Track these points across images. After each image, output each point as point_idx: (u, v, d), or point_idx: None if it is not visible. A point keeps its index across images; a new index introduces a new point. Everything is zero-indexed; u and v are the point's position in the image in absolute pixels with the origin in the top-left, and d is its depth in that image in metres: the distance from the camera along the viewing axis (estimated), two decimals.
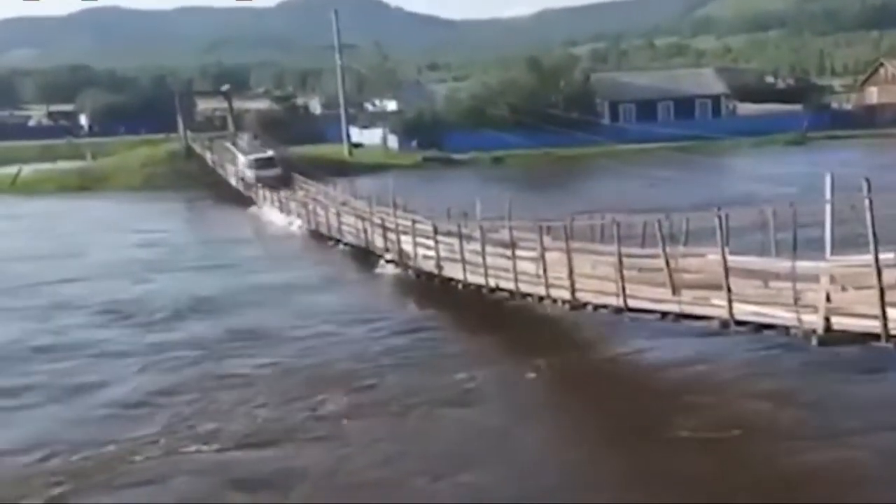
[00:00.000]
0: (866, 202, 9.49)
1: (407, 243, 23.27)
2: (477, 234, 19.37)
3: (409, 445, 12.64)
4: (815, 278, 10.97)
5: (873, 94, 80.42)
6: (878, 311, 9.75)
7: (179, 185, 52.17)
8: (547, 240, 16.78)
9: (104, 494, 11.39)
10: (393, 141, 69.59)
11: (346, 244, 28.83)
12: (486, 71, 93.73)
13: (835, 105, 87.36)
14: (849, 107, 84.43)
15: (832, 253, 10.94)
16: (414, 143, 66.36)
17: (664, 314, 13.42)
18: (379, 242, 25.62)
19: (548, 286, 15.95)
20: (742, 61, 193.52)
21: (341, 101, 69.49)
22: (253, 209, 42.32)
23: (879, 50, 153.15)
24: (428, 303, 21.08)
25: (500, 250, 18.42)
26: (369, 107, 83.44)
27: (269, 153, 50.05)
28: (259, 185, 43.93)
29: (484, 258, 18.29)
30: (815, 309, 10.71)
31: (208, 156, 56.79)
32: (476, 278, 18.81)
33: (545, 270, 15.95)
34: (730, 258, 11.96)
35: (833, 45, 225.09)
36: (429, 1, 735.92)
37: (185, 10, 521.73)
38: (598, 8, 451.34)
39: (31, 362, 17.60)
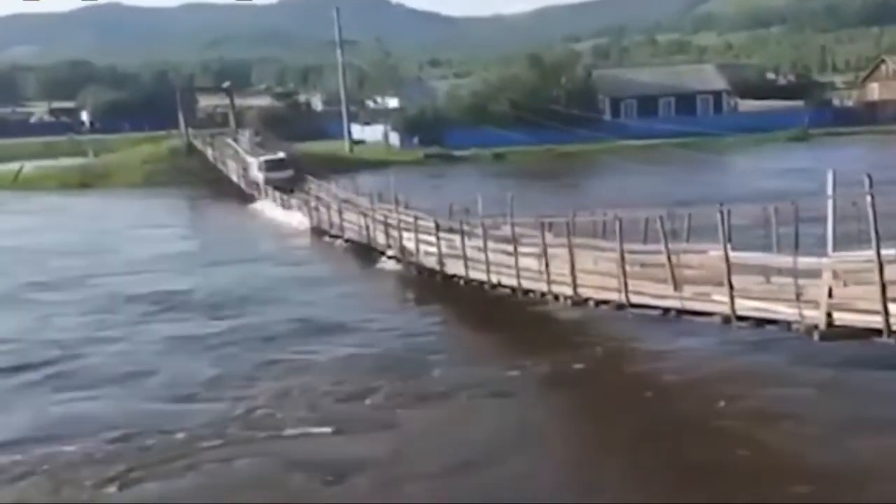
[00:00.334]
0: (868, 198, 9.52)
1: (409, 240, 23.30)
2: (479, 230, 19.40)
3: (461, 433, 12.94)
4: (816, 274, 11.00)
5: (875, 91, 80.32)
6: (879, 307, 9.77)
7: (181, 181, 52.08)
8: (549, 236, 16.79)
9: (174, 477, 11.80)
10: (394, 138, 69.56)
11: (347, 240, 28.87)
12: (488, 68, 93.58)
13: (836, 102, 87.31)
14: (850, 103, 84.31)
15: (834, 249, 10.96)
16: (415, 140, 66.38)
17: (666, 310, 13.43)
18: (381, 239, 25.67)
19: (549, 282, 15.96)
20: (743, 58, 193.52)
21: (343, 97, 69.54)
22: (254, 206, 42.21)
23: (881, 46, 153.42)
24: (433, 298, 21.24)
25: (502, 246, 18.38)
26: (371, 103, 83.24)
27: (281, 154, 47.78)
28: (269, 187, 42.16)
29: (486, 254, 18.29)
30: (816, 304, 10.73)
31: (209, 152, 56.75)
32: (478, 274, 18.81)
33: (547, 266, 15.96)
34: (732, 254, 11.98)
35: (834, 42, 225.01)
36: None
37: (187, 6, 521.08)
38: (599, 4, 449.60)
39: (98, 355, 17.83)
